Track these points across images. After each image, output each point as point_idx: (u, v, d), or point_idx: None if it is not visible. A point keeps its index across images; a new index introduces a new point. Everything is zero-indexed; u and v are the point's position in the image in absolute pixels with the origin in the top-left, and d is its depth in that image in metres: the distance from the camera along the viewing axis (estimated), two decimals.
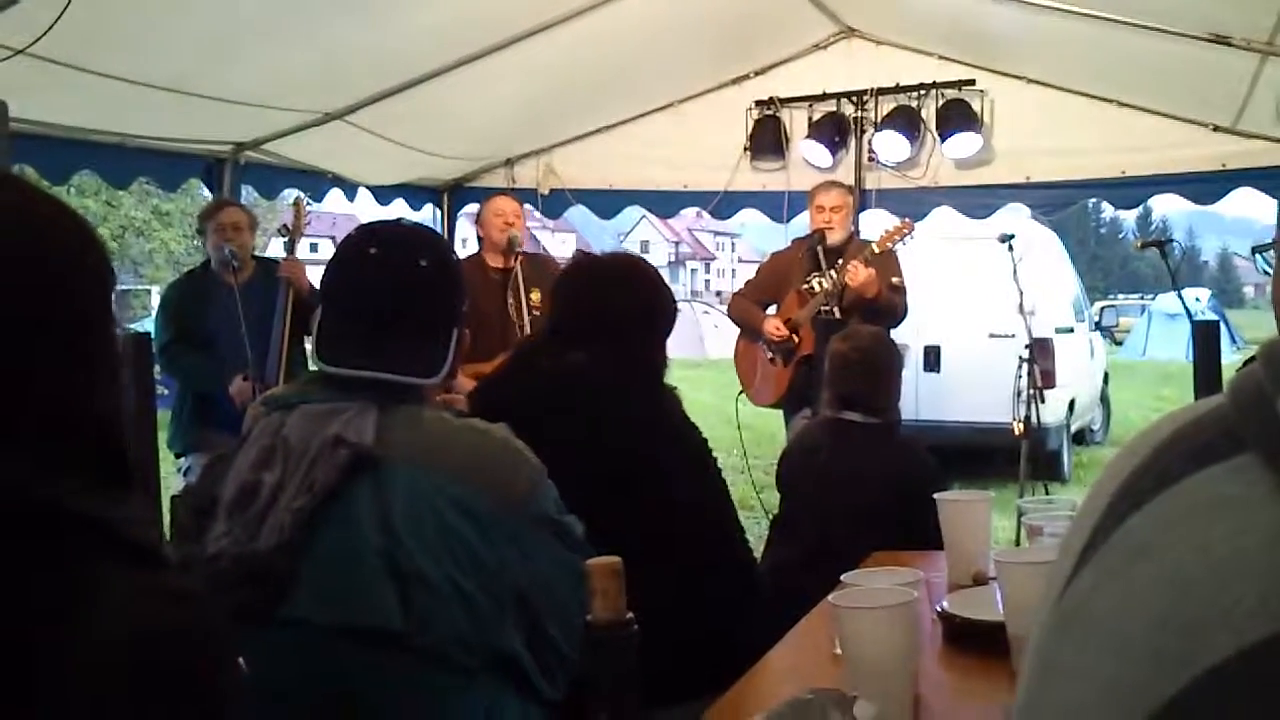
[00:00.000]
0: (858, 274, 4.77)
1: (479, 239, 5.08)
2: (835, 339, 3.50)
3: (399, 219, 2.04)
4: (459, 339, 1.78)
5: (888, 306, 4.91)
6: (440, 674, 1.56)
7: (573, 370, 2.26)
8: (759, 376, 5.34)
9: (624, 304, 2.34)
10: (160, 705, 0.84)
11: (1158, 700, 0.48)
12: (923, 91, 5.58)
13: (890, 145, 5.62)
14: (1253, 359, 0.56)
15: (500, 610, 1.60)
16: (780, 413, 5.36)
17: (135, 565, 0.88)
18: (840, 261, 4.93)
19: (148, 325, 9.85)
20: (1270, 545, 0.49)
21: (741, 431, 5.60)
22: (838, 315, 4.78)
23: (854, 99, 5.74)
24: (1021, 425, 5.34)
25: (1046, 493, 5.89)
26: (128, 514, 0.92)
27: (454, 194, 6.80)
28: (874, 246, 4.94)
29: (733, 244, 78.00)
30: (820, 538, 2.96)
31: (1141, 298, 36.79)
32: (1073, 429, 9.73)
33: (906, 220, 5.11)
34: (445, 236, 6.55)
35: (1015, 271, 5.28)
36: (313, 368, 1.76)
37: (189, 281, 4.92)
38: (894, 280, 4.98)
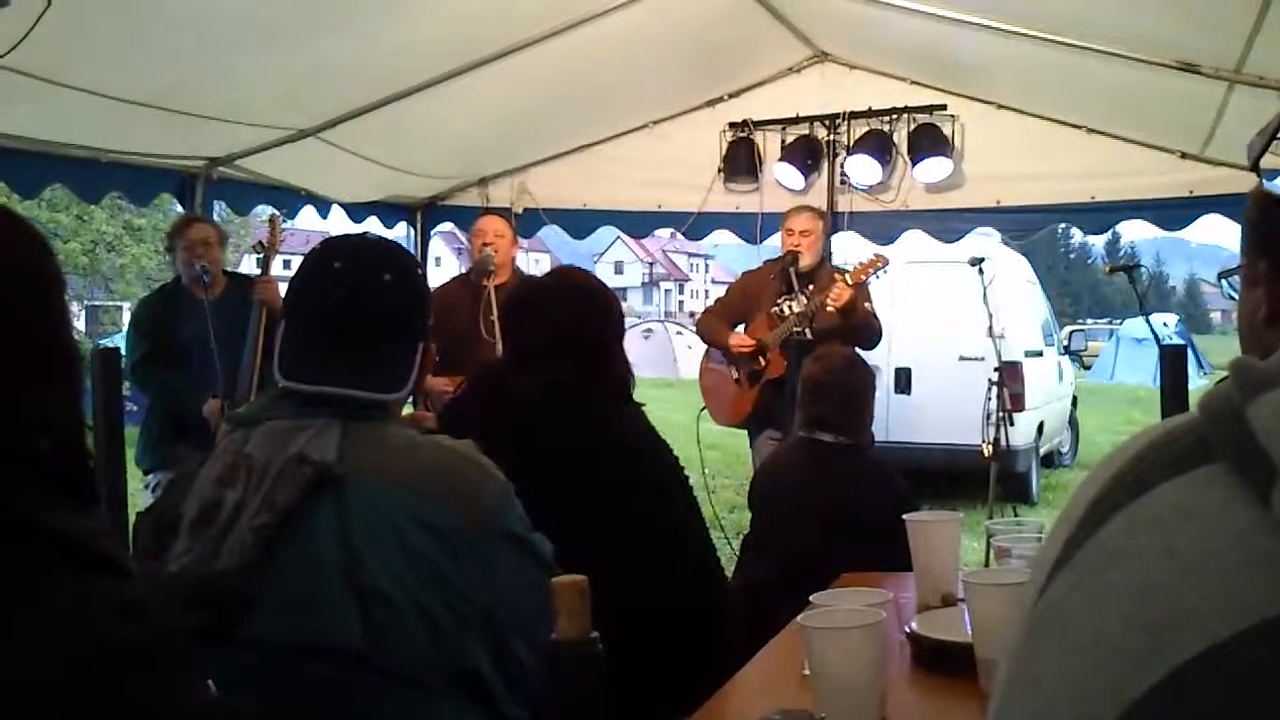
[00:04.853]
0: (842, 296, 4.78)
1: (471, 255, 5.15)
2: (809, 360, 3.51)
3: (364, 233, 2.03)
4: (424, 353, 1.78)
5: (865, 328, 4.93)
6: (403, 692, 1.54)
7: (536, 392, 2.26)
8: (723, 396, 5.35)
9: (572, 324, 2.35)
10: (113, 717, 0.83)
11: (1127, 700, 0.49)
12: (894, 116, 5.63)
13: (862, 169, 5.65)
14: (1226, 378, 0.57)
15: (464, 628, 1.59)
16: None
17: (97, 577, 0.87)
18: (811, 287, 4.95)
19: (118, 341, 9.77)
20: (1237, 547, 0.50)
21: (707, 452, 5.60)
22: (809, 337, 4.79)
23: (826, 122, 5.78)
24: (991, 447, 5.36)
25: (1015, 514, 5.92)
26: (90, 525, 0.91)
27: (428, 212, 6.79)
28: (848, 278, 4.95)
29: (706, 265, 78.26)
30: (790, 558, 2.96)
31: (1110, 322, 37.05)
32: (1041, 452, 9.79)
33: (880, 255, 5.12)
34: (418, 255, 6.55)
35: (985, 295, 5.32)
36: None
37: (160, 297, 4.88)
38: (866, 305, 5.02)
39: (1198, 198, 5.21)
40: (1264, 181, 0.87)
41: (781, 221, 5.27)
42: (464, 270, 5.19)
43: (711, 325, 5.44)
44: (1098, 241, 72.69)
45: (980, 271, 5.34)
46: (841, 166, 5.75)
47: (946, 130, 5.54)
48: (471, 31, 4.58)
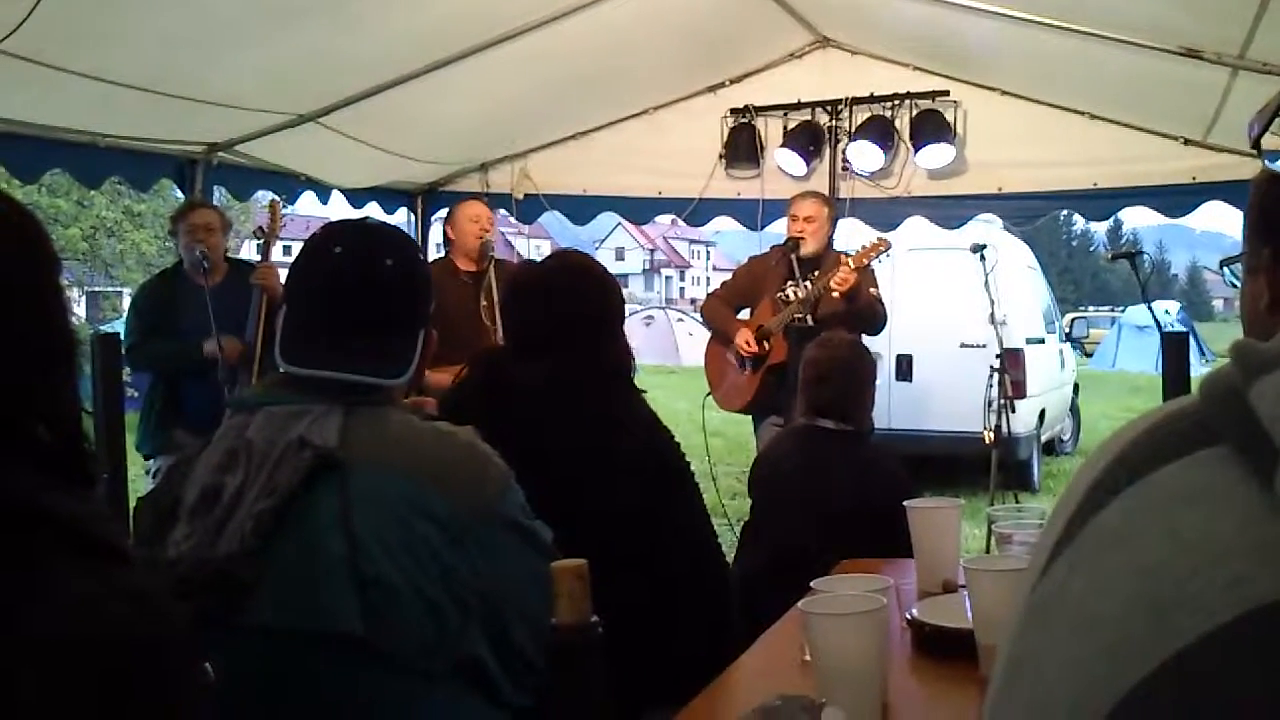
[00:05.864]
0: (847, 280, 4.77)
1: (448, 241, 5.08)
2: (810, 346, 3.50)
3: (365, 218, 2.02)
4: (425, 339, 1.77)
5: (869, 312, 4.93)
6: (403, 679, 1.54)
7: (539, 381, 2.25)
8: (727, 381, 5.35)
9: (574, 310, 2.33)
10: (115, 705, 0.83)
11: (1127, 684, 0.48)
12: (897, 102, 5.61)
13: (864, 155, 5.64)
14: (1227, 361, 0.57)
15: (465, 615, 1.58)
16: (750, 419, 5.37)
17: (97, 563, 0.87)
18: (816, 273, 4.94)
19: (118, 326, 9.78)
20: (1241, 530, 0.49)
21: (710, 439, 5.59)
22: (811, 323, 4.78)
23: (829, 108, 5.76)
24: (992, 434, 5.36)
25: (1017, 502, 5.92)
26: (90, 510, 0.91)
27: (428, 198, 6.78)
28: (850, 261, 4.94)
29: (708, 252, 78.19)
30: (790, 544, 2.96)
31: (1111, 310, 37.01)
32: (1043, 439, 9.80)
33: (883, 238, 5.11)
34: (419, 240, 6.54)
35: (987, 282, 5.31)
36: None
37: (160, 282, 4.88)
38: (871, 290, 5.01)
39: (1200, 184, 5.20)
40: (1266, 163, 0.86)
41: (787, 207, 5.26)
42: (447, 254, 5.12)
43: (718, 312, 5.43)
44: (1100, 228, 72.45)
45: (982, 258, 5.34)
46: (843, 152, 5.74)
47: (949, 116, 5.53)
48: (472, 16, 4.57)
